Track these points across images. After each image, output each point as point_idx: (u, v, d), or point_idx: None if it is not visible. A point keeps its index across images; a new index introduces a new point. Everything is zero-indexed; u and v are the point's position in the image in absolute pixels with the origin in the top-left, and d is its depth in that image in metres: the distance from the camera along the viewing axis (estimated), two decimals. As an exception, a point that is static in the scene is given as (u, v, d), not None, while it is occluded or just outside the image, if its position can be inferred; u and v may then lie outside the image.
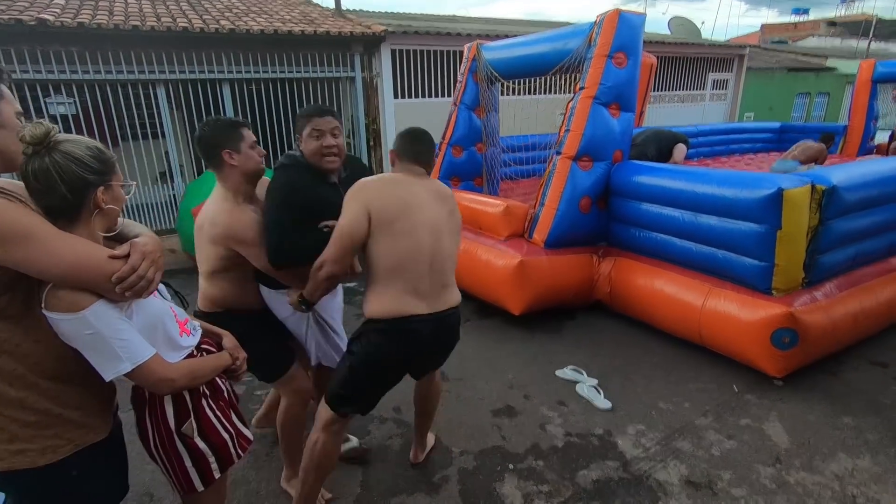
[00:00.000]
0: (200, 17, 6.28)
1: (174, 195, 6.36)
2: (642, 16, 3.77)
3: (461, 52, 7.87)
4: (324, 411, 1.88)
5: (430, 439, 2.50)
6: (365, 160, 7.37)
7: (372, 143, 7.42)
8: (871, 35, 19.32)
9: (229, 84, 6.33)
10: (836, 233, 3.03)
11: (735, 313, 3.02)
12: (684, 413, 2.76)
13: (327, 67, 6.83)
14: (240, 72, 6.27)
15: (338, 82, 7.16)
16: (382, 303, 1.81)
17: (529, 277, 3.66)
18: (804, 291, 3.02)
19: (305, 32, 6.35)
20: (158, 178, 6.40)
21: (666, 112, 10.66)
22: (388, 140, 7.45)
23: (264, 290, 2.03)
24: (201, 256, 1.96)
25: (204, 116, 5.85)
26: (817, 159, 5.67)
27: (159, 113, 6.01)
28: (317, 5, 8.53)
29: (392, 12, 10.72)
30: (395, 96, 7.49)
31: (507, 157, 6.15)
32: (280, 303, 2.02)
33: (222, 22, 6.12)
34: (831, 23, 27.63)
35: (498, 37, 7.79)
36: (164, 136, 6.09)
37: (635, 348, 3.48)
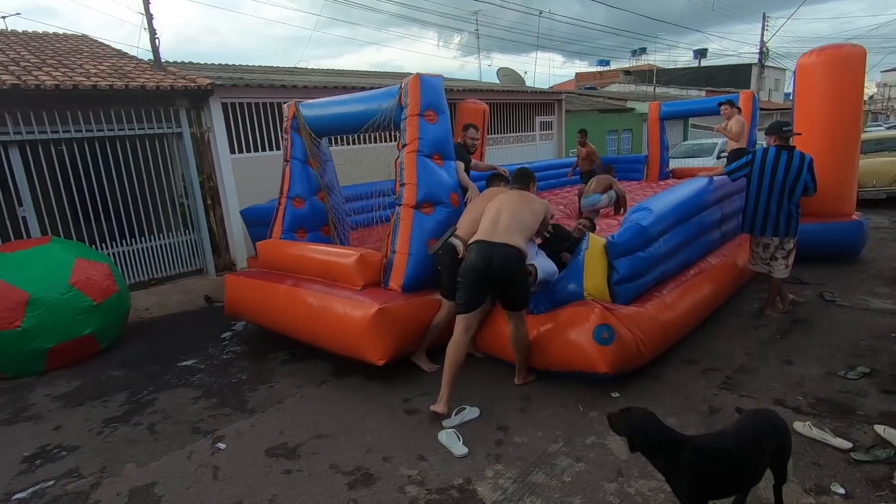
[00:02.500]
0: (-27, 72, 5.32)
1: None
2: (440, 77, 4.21)
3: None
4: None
5: (523, 374, 3.50)
6: (202, 220, 6.77)
7: (209, 202, 6.85)
8: (654, 81, 23.51)
9: (17, 147, 5.40)
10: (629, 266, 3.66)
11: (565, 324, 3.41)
12: (538, 443, 2.84)
13: (147, 124, 6.21)
14: (31, 133, 5.40)
15: (163, 139, 6.54)
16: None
17: (390, 324, 3.57)
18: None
19: (115, 87, 5.73)
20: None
21: (504, 152, 11.63)
22: (229, 199, 6.95)
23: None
24: None
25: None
26: (611, 185, 6.64)
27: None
28: (133, 58, 7.81)
29: (223, 64, 10.24)
30: (232, 151, 7.06)
31: (353, 205, 6.11)
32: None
33: (3, 77, 5.25)
34: (626, 72, 33.10)
35: (336, 88, 7.86)
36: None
37: (494, 384, 3.55)
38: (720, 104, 7.34)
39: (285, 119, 5.15)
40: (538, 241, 3.76)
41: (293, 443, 3.00)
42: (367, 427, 3.11)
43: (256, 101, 7.30)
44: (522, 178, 3.69)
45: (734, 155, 7.28)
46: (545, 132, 13.04)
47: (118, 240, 6.18)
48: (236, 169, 7.04)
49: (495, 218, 3.27)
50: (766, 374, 3.44)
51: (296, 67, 13.43)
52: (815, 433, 2.67)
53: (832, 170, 5.53)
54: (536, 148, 12.71)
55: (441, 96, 4.13)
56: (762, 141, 5.12)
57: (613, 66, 38.46)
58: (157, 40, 7.15)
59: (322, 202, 5.35)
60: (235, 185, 7.01)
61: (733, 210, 5.30)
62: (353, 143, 8.35)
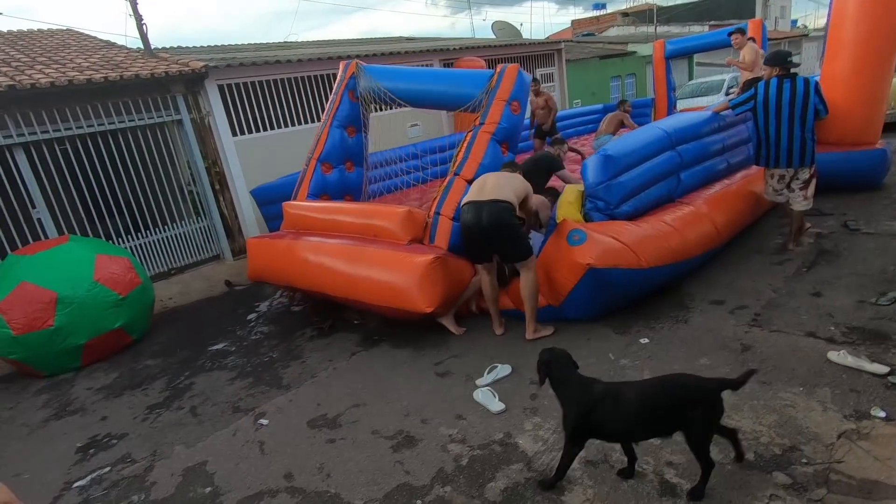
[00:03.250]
0: (-33, 77, 5.26)
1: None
2: (530, 76, 4.56)
3: (300, 79, 7.64)
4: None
5: (533, 327, 3.57)
6: (212, 206, 6.77)
7: (218, 187, 6.83)
8: (655, 21, 22.63)
9: (23, 149, 5.39)
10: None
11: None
12: (572, 394, 2.87)
13: (146, 113, 6.14)
14: (33, 133, 5.37)
15: (163, 128, 6.48)
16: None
17: (442, 274, 3.65)
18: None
19: (109, 78, 5.64)
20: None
21: (507, 109, 11.36)
22: (236, 182, 6.93)
23: None
24: None
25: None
26: (622, 122, 6.50)
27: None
28: (122, 47, 7.66)
29: (214, 46, 10.02)
30: (234, 133, 6.99)
31: (374, 173, 6.08)
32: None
33: (-2, 79, 5.19)
34: (625, 13, 31.83)
35: (330, 59, 7.68)
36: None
37: (523, 342, 3.57)
38: (730, 34, 7.07)
39: (340, 79, 5.18)
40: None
41: (332, 413, 3.07)
42: (402, 393, 3.17)
43: (252, 80, 7.17)
44: (510, 166, 4.00)
45: (748, 85, 7.04)
46: (547, 84, 12.70)
47: (133, 233, 6.22)
48: (240, 151, 6.98)
49: (481, 185, 3.53)
50: (795, 307, 3.42)
51: (286, 42, 13.12)
52: (851, 361, 2.67)
53: (861, 93, 5.25)
54: (539, 102, 12.40)
55: (527, 92, 4.55)
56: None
57: (610, 8, 37.06)
58: (143, 26, 6.98)
59: (349, 172, 5.36)
60: (241, 167, 6.97)
61: (740, 140, 5.23)
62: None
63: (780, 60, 4.08)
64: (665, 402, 1.99)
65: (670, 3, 31.82)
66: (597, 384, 2.13)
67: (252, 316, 5.10)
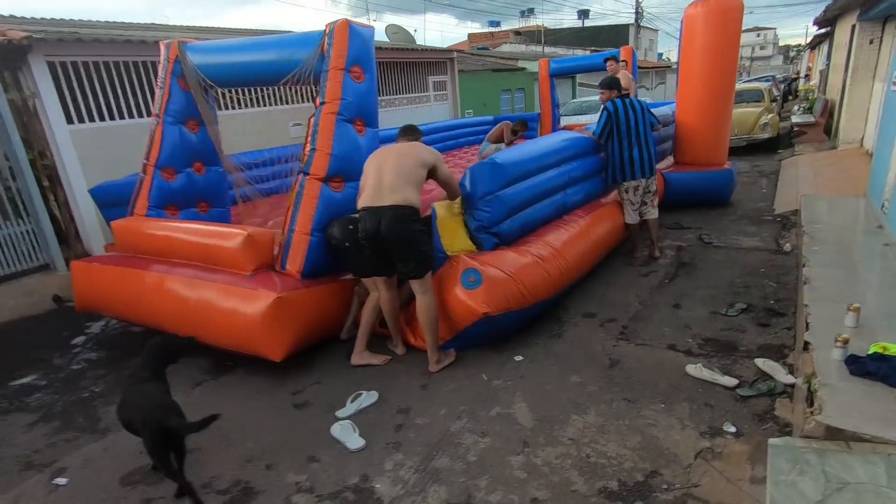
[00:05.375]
0: None
1: None
2: (371, 28, 3.66)
3: (149, 63, 6.67)
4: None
5: (435, 356, 3.14)
6: (38, 206, 5.64)
7: (47, 184, 5.71)
8: (543, 42, 23.97)
9: None
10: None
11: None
12: (440, 422, 2.63)
13: (-59, 90, 4.94)
14: None
15: (-31, 109, 5.26)
16: None
17: (290, 315, 3.12)
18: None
19: None
20: None
21: (399, 115, 11.13)
22: (72, 178, 5.84)
23: None
24: None
25: None
26: (503, 134, 6.63)
27: None
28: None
29: (53, 19, 8.53)
30: (70, 121, 5.90)
31: (250, 174, 5.40)
32: None
33: None
34: (517, 32, 33.44)
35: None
36: None
37: (395, 361, 3.28)
38: (605, 60, 7.46)
39: (163, 62, 4.17)
40: None
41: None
42: (249, 432, 2.71)
43: (95, 60, 6.12)
44: (410, 132, 3.37)
45: None
46: (439, 92, 12.70)
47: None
48: (77, 142, 5.90)
49: (378, 177, 3.00)
50: (658, 320, 3.53)
51: (153, 24, 11.70)
52: (706, 374, 2.74)
53: (710, 120, 5.83)
54: (431, 109, 12.36)
55: (371, 51, 3.58)
56: (644, 97, 5.22)
57: (504, 26, 38.73)
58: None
59: (199, 174, 4.59)
60: (79, 161, 5.90)
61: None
62: (245, 107, 7.43)
63: (616, 84, 4.56)
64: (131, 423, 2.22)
65: (556, 27, 34.05)
66: (139, 375, 2.35)
67: (80, 339, 4.24)
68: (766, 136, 9.89)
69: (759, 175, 8.03)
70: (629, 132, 4.39)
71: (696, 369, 2.79)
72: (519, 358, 3.18)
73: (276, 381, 3.22)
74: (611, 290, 4.09)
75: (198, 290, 3.35)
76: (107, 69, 6.31)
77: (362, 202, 3.03)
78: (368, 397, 2.88)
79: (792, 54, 40.72)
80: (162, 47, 4.28)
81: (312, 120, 3.56)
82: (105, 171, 5.69)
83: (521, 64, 18.73)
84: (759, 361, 2.82)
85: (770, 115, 10.06)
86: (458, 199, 3.59)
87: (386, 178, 2.97)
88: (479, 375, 3.04)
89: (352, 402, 2.84)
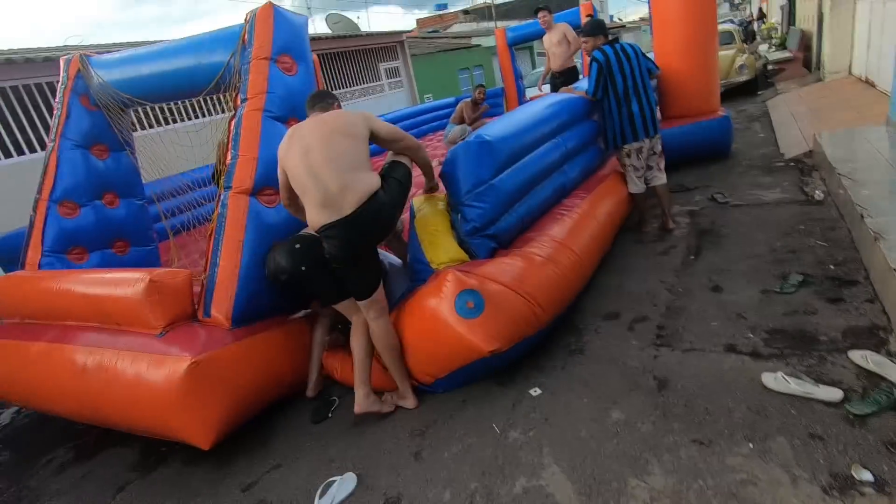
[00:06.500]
0: None
1: None
2: (304, 17, 3.03)
3: (44, 86, 5.70)
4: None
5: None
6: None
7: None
8: (494, 15, 23.13)
9: None
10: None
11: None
12: (446, 515, 1.87)
13: None
14: None
15: None
16: None
17: (216, 382, 2.32)
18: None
19: None
20: None
21: (351, 108, 10.24)
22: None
23: None
24: None
25: None
26: (463, 118, 5.86)
27: None
28: None
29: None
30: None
31: (165, 206, 4.51)
32: None
33: None
34: (466, 11, 32.47)
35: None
36: None
37: (374, 428, 2.49)
38: (537, 10, 6.63)
39: (62, 80, 3.51)
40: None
41: None
42: (178, 569, 1.91)
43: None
44: (321, 98, 2.49)
45: (559, 76, 6.75)
46: (393, 80, 11.81)
47: None
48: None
49: (315, 179, 2.22)
50: (699, 311, 2.79)
51: (65, 46, 10.52)
52: (794, 387, 2.01)
53: (696, 63, 5.17)
54: (388, 99, 11.47)
55: (303, 39, 2.97)
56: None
57: (451, 8, 37.77)
58: None
59: (111, 208, 3.76)
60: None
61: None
62: (156, 127, 6.48)
63: (602, 29, 3.78)
64: None
65: (506, 0, 33.11)
66: None
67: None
68: (744, 78, 9.28)
69: (749, 119, 7.39)
70: (626, 84, 3.62)
71: (777, 381, 2.06)
72: (536, 391, 2.42)
73: (221, 470, 2.41)
74: (628, 279, 3.34)
75: (99, 365, 2.50)
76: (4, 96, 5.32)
77: (319, 218, 2.24)
78: (344, 485, 2.10)
79: (738, 0, 40.41)
80: (61, 62, 3.57)
81: (233, 123, 2.79)
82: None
83: (475, 41, 17.90)
84: (857, 356, 2.10)
85: (745, 56, 9.45)
86: (444, 192, 2.86)
87: (328, 178, 2.20)
88: (489, 426, 2.27)
89: (321, 497, 2.05)
